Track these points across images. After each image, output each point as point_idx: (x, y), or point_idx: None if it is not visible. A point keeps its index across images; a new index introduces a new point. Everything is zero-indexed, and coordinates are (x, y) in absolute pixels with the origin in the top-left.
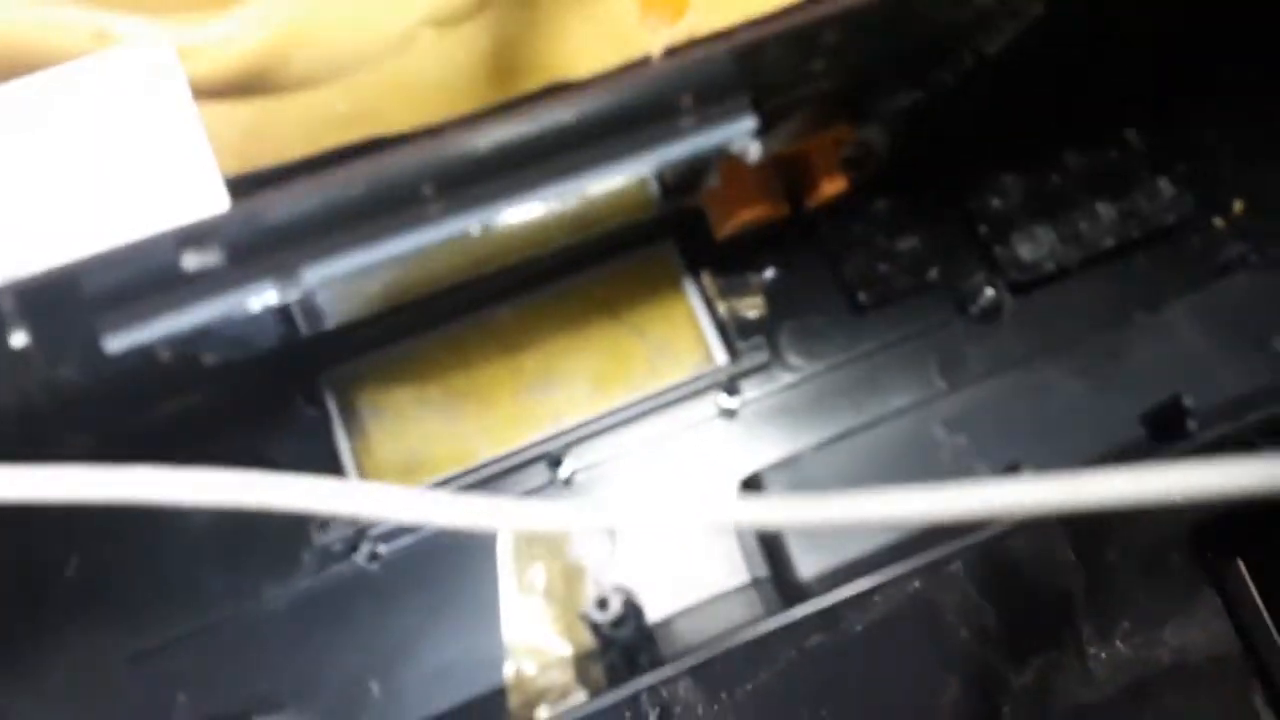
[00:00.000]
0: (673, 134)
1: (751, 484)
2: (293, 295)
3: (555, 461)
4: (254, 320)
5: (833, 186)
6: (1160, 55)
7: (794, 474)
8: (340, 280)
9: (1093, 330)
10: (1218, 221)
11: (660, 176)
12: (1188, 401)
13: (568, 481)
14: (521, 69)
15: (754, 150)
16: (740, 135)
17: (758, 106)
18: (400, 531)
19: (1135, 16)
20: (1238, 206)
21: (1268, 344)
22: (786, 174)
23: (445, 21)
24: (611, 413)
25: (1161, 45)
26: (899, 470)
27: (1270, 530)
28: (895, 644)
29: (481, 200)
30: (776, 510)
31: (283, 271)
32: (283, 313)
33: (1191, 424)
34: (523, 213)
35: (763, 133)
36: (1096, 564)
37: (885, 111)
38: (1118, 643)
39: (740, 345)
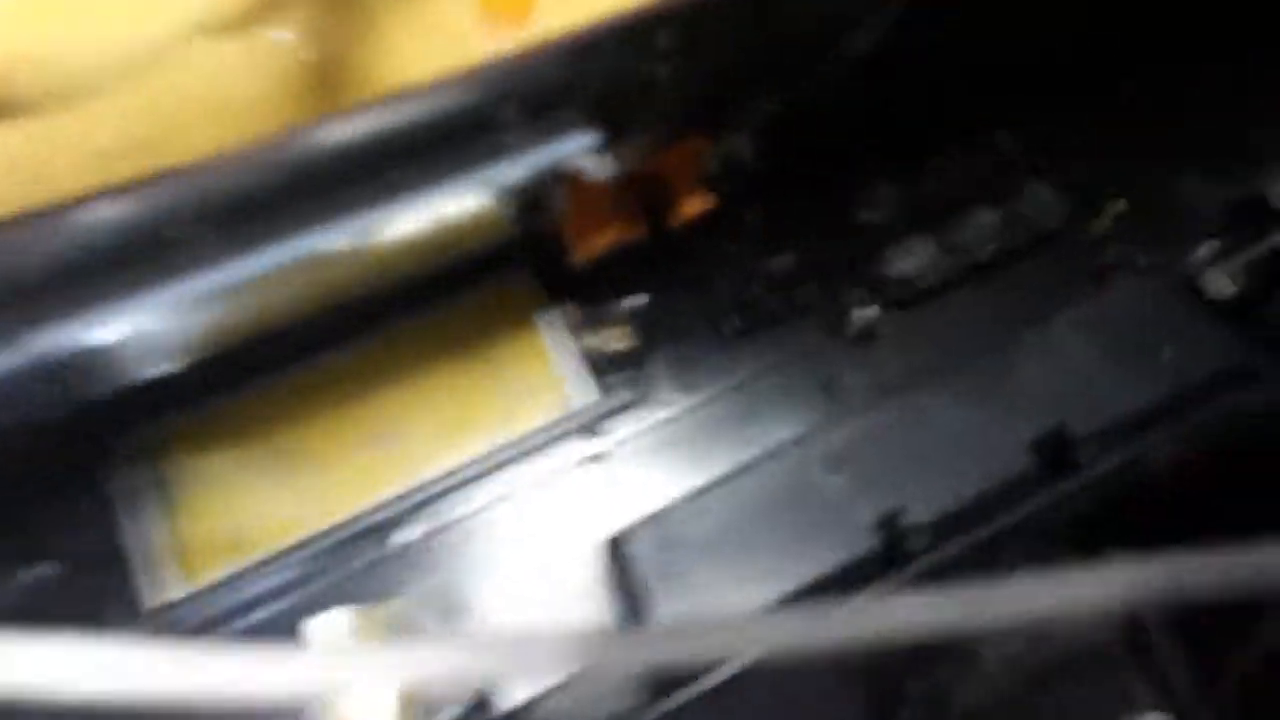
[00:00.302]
0: (499, 150)
1: (617, 545)
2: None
3: (394, 527)
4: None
5: (694, 204)
6: (1028, 53)
7: (662, 531)
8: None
9: (976, 349)
10: (1099, 224)
11: (501, 197)
12: (1076, 429)
13: (412, 548)
14: (348, 81)
15: (599, 167)
16: (579, 151)
17: (599, 118)
18: None
19: (1001, 15)
20: (1119, 207)
21: (1158, 353)
22: (645, 192)
23: (217, 30)
24: (463, 466)
25: (1030, 43)
26: (774, 521)
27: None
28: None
29: (254, 240)
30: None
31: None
32: (50, 371)
33: (1082, 454)
34: (314, 247)
35: (608, 148)
36: None
37: (745, 122)
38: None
39: (607, 381)
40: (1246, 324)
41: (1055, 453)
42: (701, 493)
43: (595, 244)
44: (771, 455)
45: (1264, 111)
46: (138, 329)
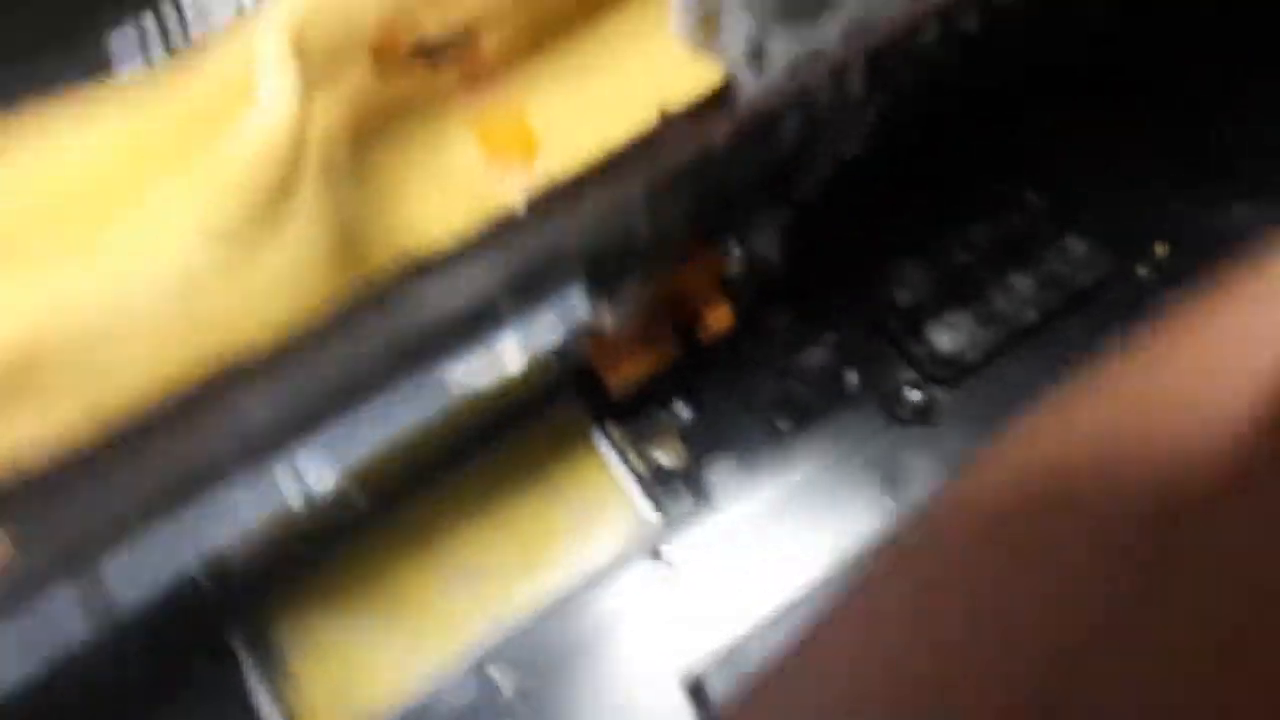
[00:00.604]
0: (502, 330)
1: (698, 687)
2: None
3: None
4: None
5: (719, 318)
6: (1044, 106)
7: (738, 667)
8: None
9: None
10: (1141, 270)
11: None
12: None
13: (501, 694)
14: (369, 247)
15: (606, 320)
16: (578, 315)
17: (592, 279)
18: None
19: (1007, 71)
20: (1159, 250)
21: None
22: (670, 311)
23: (228, 236)
24: (544, 604)
25: (1042, 95)
26: None
27: None
28: None
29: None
30: None
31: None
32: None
33: None
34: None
35: (607, 303)
36: None
37: (752, 235)
38: None
39: (666, 497)
40: None
41: None
42: (777, 619)
43: (629, 375)
44: (843, 555)
45: None
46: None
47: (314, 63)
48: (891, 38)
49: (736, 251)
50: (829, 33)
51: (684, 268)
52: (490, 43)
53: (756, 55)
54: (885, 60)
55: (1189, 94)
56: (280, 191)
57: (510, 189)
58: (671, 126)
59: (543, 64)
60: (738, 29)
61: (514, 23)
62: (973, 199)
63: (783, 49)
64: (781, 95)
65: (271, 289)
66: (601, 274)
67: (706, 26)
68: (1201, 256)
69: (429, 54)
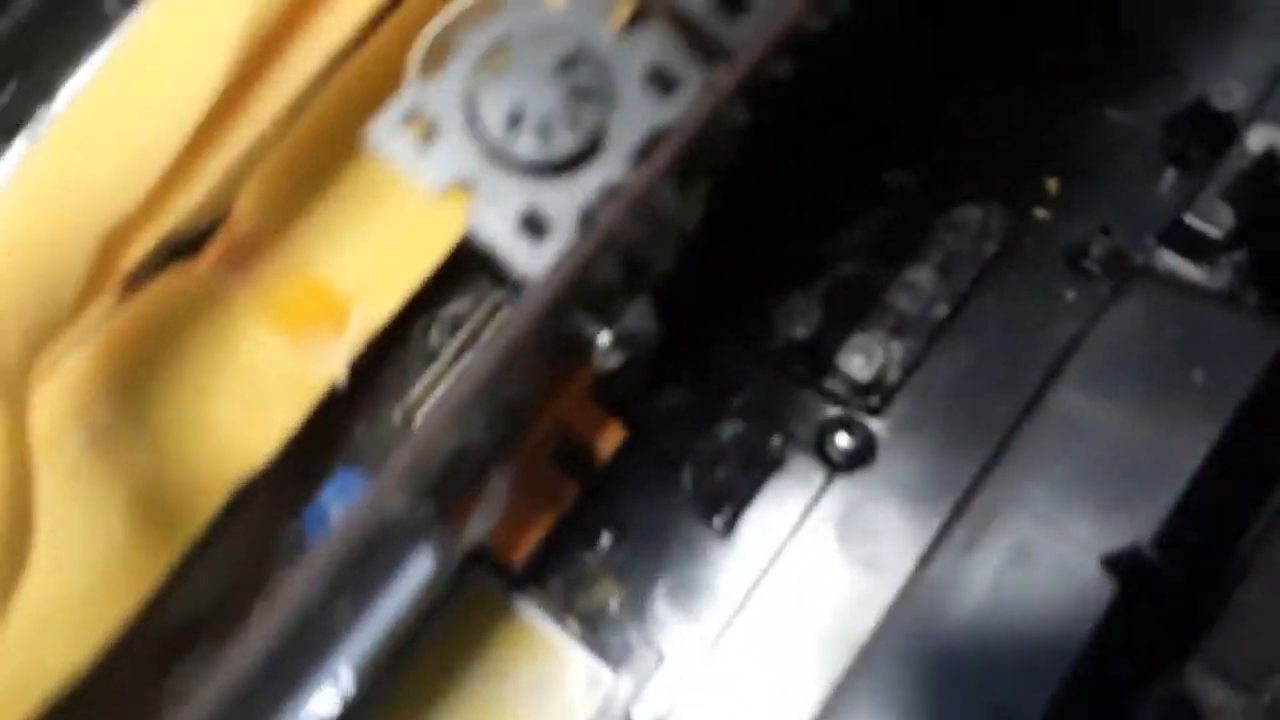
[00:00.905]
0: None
1: None
2: None
3: None
4: None
5: (609, 438)
6: (872, 85)
7: None
8: None
9: (990, 427)
10: (1040, 213)
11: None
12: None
13: None
14: (177, 499)
15: (480, 532)
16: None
17: (441, 514)
18: None
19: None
20: (1051, 186)
21: (1188, 374)
22: (551, 457)
23: None
24: None
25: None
26: None
27: None
28: None
29: None
30: None
31: None
32: None
33: None
34: None
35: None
36: None
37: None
38: None
39: (613, 647)
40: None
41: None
42: None
43: (530, 544)
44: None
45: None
46: None
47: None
48: (693, 138)
49: (605, 339)
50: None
51: (549, 404)
52: (246, 216)
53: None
54: (697, 159)
55: (1020, 18)
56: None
57: (326, 363)
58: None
59: (316, 219)
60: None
61: (263, 187)
62: (837, 204)
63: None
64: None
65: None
66: (449, 499)
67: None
68: (1094, 176)
69: (177, 254)
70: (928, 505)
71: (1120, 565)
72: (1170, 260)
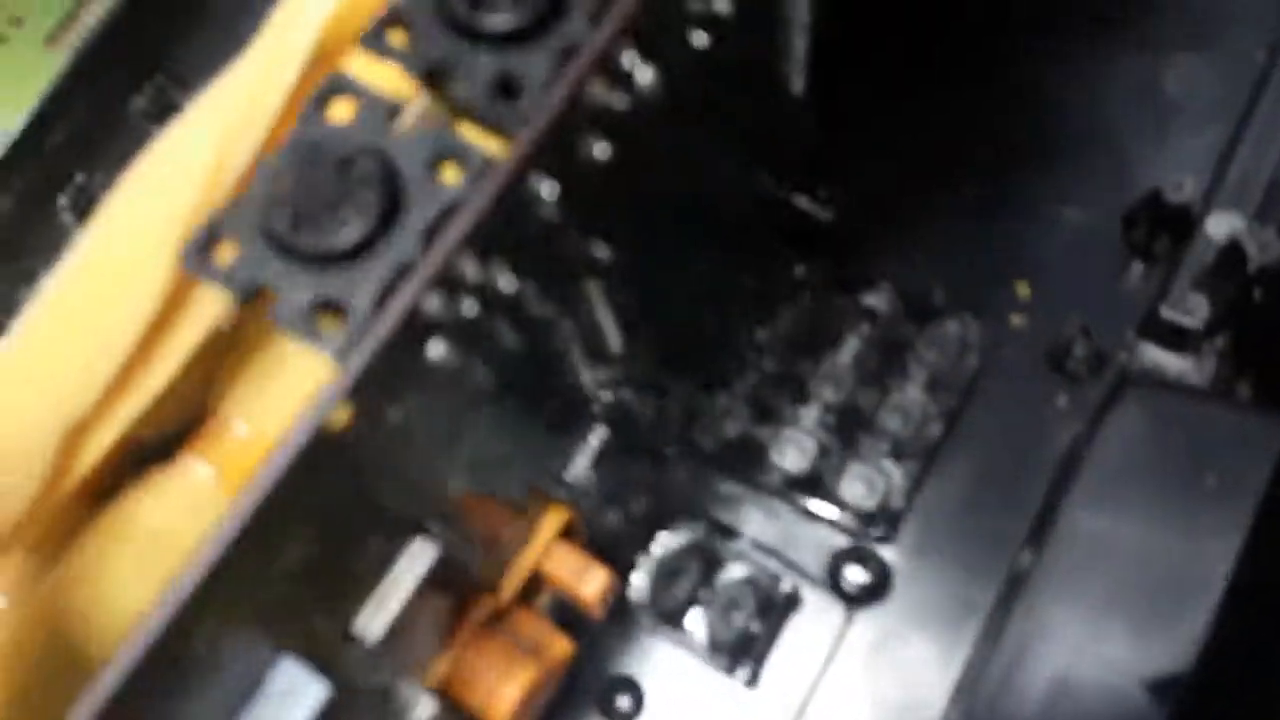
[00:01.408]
0: None
1: None
2: None
3: None
4: None
5: (593, 585)
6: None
7: None
8: None
9: (995, 547)
10: (1016, 320)
11: None
12: None
13: None
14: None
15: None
16: None
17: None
18: None
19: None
20: (1022, 291)
21: (1199, 478)
22: (524, 623)
23: None
24: None
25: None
26: None
27: None
28: None
29: None
30: None
31: None
32: None
33: None
34: None
35: None
36: None
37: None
38: None
39: None
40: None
41: None
42: None
43: (508, 706)
44: None
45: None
46: None
47: None
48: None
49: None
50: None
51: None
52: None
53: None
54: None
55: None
56: None
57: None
58: None
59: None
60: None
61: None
62: (815, 329)
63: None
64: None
65: None
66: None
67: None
68: (1062, 276)
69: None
70: (952, 632)
71: (1169, 688)
72: (1153, 354)
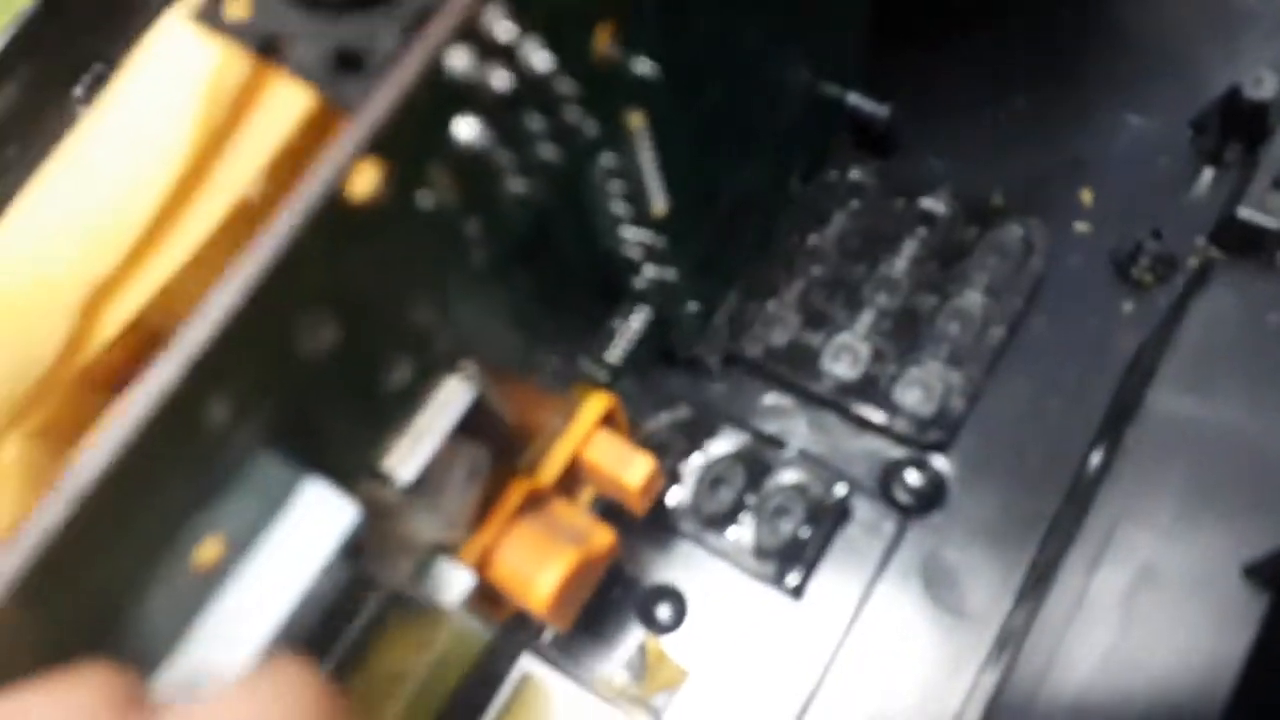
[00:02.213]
0: None
1: None
2: None
3: None
4: None
5: (638, 474)
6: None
7: None
8: None
9: (1058, 457)
10: (1080, 226)
11: None
12: None
13: None
14: None
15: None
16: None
17: None
18: None
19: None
20: (1085, 197)
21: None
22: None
23: None
24: None
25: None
26: None
27: None
28: None
29: None
30: None
31: None
32: None
33: None
34: None
35: None
36: None
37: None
38: None
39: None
40: None
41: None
42: None
43: (569, 604)
44: None
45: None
46: None
47: None
48: None
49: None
50: None
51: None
52: None
53: None
54: None
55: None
56: None
57: None
58: None
59: None
60: None
61: None
62: (874, 234)
63: None
64: None
65: None
66: None
67: None
68: (1127, 185)
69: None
70: (1012, 542)
71: (1269, 573)
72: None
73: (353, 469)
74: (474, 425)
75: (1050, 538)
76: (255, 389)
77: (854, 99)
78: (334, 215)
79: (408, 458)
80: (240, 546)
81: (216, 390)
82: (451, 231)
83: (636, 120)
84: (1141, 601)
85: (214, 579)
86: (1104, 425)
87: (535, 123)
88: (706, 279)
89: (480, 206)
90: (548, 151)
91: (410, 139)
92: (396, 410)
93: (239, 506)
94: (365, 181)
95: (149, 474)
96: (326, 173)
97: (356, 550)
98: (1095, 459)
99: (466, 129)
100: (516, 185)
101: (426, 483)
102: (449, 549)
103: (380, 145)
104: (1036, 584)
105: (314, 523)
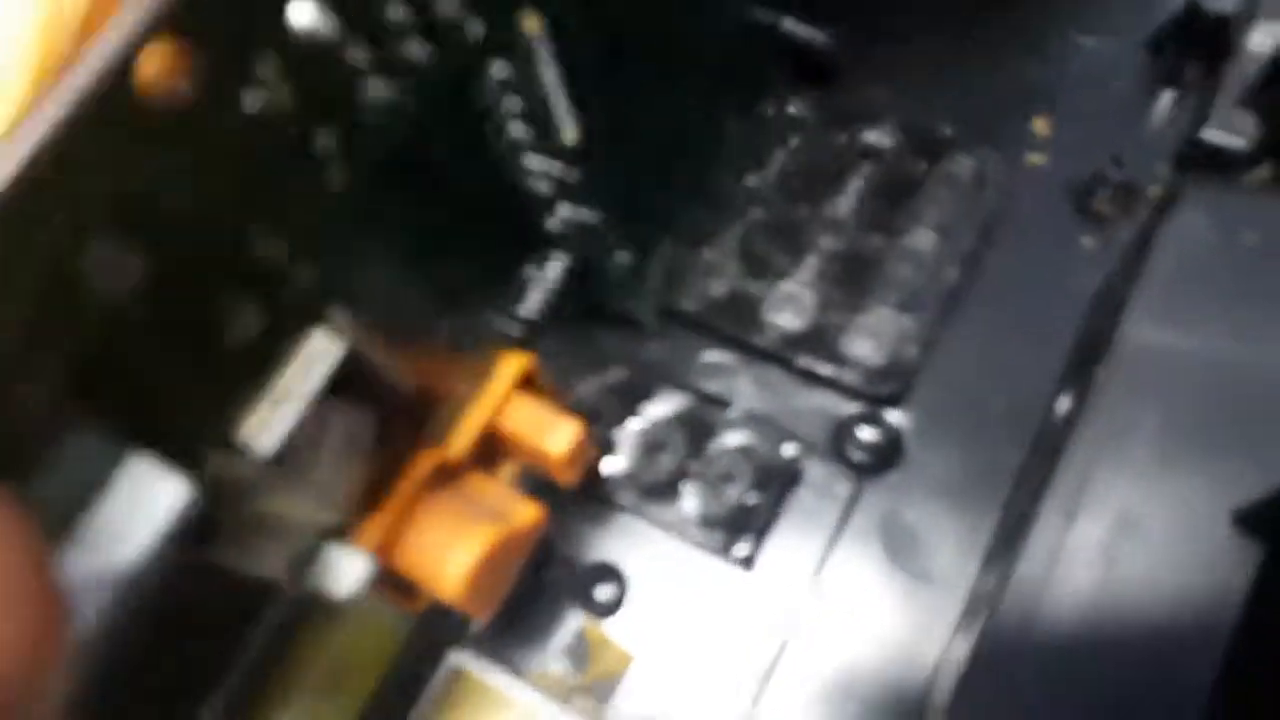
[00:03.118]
0: None
1: None
2: None
3: None
4: None
5: (563, 440)
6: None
7: None
8: None
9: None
10: (1034, 157)
11: None
12: None
13: None
14: None
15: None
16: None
17: None
18: None
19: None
20: (1039, 127)
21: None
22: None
23: None
24: None
25: None
26: None
27: None
28: None
29: None
30: None
31: None
32: None
33: None
34: None
35: None
36: None
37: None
38: None
39: None
40: None
41: None
42: None
43: (490, 590)
44: None
45: None
46: None
47: None
48: None
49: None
50: None
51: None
52: None
53: None
54: None
55: None
56: None
57: None
58: None
59: None
60: None
61: None
62: (813, 171)
63: None
64: None
65: None
66: None
67: None
68: (1083, 111)
69: None
70: (976, 498)
71: (1262, 521)
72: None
73: (197, 440)
74: (351, 387)
75: (1017, 492)
76: (35, 344)
77: (790, 24)
78: (117, 109)
79: (266, 425)
80: (53, 538)
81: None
82: (293, 142)
83: (532, 23)
84: (1123, 555)
85: None
86: (1069, 367)
87: (398, 12)
88: (634, 224)
89: (329, 113)
90: (416, 50)
91: (226, 18)
92: (246, 368)
93: (48, 493)
94: (159, 69)
95: None
96: (105, 52)
97: (198, 536)
98: (1063, 404)
99: (304, 13)
100: (378, 89)
101: (293, 454)
102: (339, 533)
103: (182, 22)
104: (1007, 542)
105: (136, 505)
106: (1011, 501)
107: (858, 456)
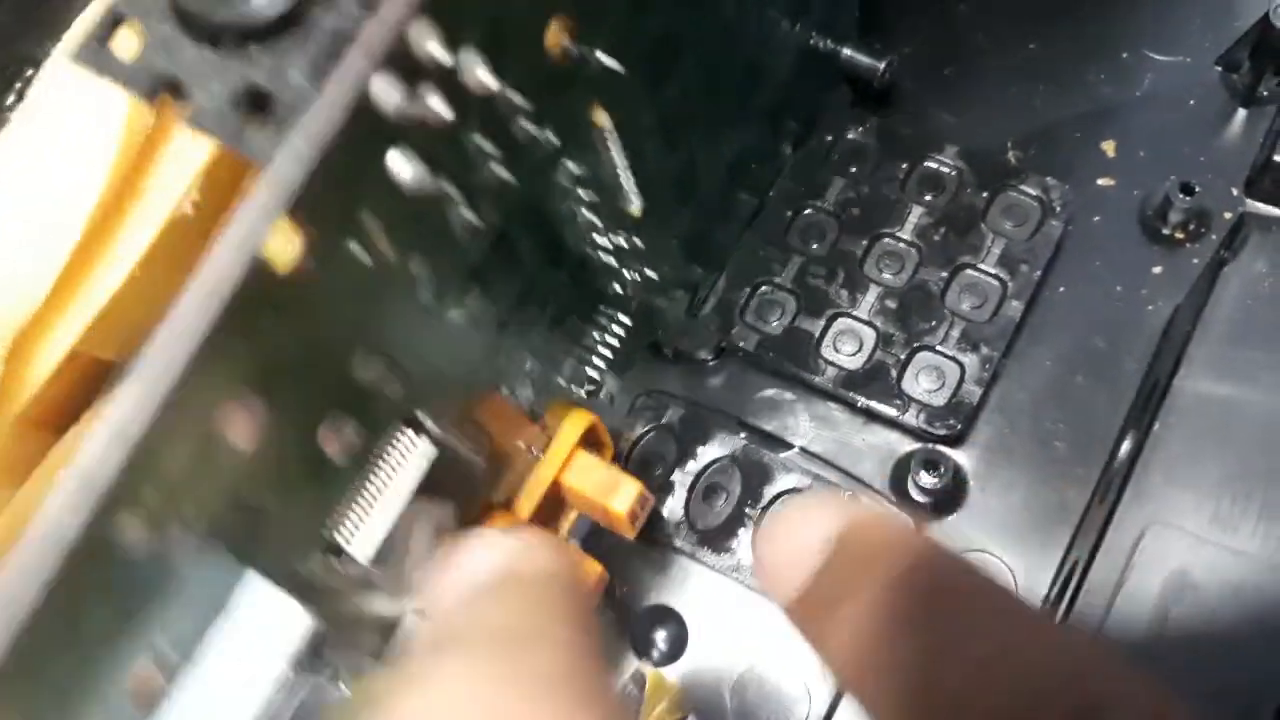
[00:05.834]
0: None
1: None
2: None
3: None
4: None
5: (625, 500)
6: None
7: None
8: None
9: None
10: (1102, 182)
11: None
12: None
13: None
14: None
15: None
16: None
17: None
18: None
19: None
20: (1107, 149)
21: None
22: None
23: None
24: None
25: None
26: None
27: None
28: None
29: None
30: None
31: None
32: None
33: None
34: None
35: None
36: None
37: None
38: None
39: None
40: None
41: None
42: None
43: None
44: None
45: None
46: None
47: None
48: None
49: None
50: None
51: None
52: None
53: None
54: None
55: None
56: None
57: None
58: None
59: None
60: None
61: None
62: (870, 205)
63: None
64: None
65: None
66: None
67: None
68: (1153, 132)
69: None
70: (1039, 540)
71: None
72: (1263, 211)
73: (302, 551)
74: (438, 478)
75: (1079, 536)
76: (173, 500)
77: (849, 52)
78: (248, 295)
79: (363, 532)
80: (180, 661)
81: (128, 512)
82: (391, 278)
83: (602, 118)
84: (1175, 614)
85: (154, 702)
86: (1137, 402)
87: (483, 145)
88: (690, 265)
89: (425, 246)
90: (500, 173)
91: (335, 192)
92: (345, 479)
93: (173, 616)
94: (284, 250)
95: (54, 626)
96: (231, 253)
97: (315, 653)
98: (1129, 445)
99: (403, 167)
100: (466, 215)
101: (386, 552)
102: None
103: (299, 206)
104: (1062, 589)
105: (262, 632)
106: (1073, 545)
107: (919, 498)
